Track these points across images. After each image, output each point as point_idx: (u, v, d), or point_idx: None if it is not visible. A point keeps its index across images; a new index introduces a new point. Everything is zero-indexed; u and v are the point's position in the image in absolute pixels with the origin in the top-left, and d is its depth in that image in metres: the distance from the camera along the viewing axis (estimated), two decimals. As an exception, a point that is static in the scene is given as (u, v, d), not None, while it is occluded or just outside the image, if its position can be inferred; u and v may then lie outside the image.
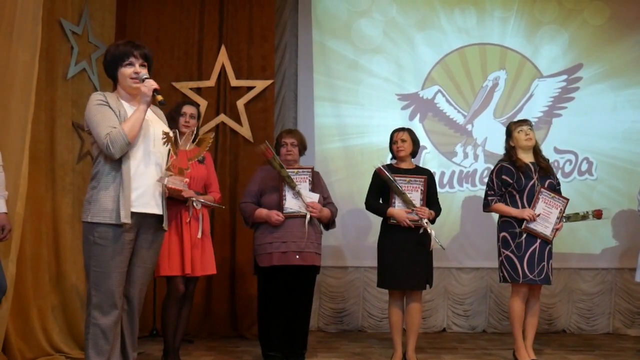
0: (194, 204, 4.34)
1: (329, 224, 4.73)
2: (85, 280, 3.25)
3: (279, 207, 4.49)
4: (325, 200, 4.71)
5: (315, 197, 4.53)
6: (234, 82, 5.99)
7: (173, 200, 4.18)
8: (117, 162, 3.21)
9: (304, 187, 4.52)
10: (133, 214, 3.21)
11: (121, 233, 3.20)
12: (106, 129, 3.15)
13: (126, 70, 3.30)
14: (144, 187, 3.29)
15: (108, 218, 3.16)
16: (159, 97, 3.27)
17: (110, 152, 3.15)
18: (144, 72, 3.32)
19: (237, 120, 5.97)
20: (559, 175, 6.22)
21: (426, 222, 4.58)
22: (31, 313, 4.34)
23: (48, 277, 4.61)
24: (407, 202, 4.59)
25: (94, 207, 3.18)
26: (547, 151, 6.22)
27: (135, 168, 3.25)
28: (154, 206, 3.34)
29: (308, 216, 4.47)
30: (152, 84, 3.26)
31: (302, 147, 4.77)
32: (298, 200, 4.49)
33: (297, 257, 4.42)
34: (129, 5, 5.97)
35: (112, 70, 3.34)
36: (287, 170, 4.49)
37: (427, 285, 4.72)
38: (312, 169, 4.64)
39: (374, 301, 6.28)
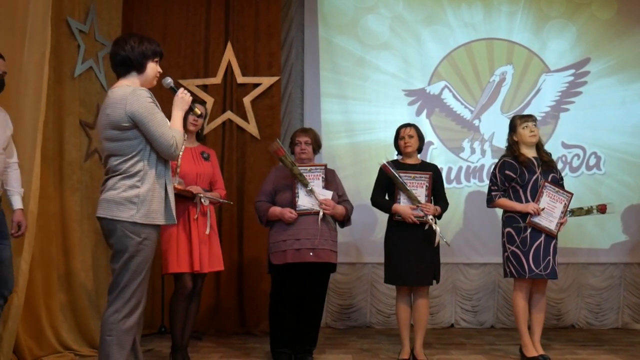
0: (202, 200, 4.37)
1: (344, 221, 4.71)
2: (115, 278, 3.17)
3: (292, 205, 4.49)
4: (341, 198, 4.70)
5: (328, 194, 4.53)
6: (241, 79, 6.00)
7: (181, 197, 4.21)
8: (162, 163, 3.24)
9: (317, 184, 4.52)
10: None
11: (159, 233, 3.28)
12: (170, 130, 3.20)
13: (156, 66, 3.33)
14: (170, 187, 3.36)
15: (157, 219, 3.20)
16: (198, 111, 3.63)
17: (176, 154, 3.23)
18: (167, 78, 3.43)
19: (244, 117, 5.98)
20: (566, 170, 6.26)
21: (431, 219, 4.57)
22: (40, 311, 4.38)
23: (57, 276, 4.65)
24: (412, 199, 4.58)
25: (143, 207, 3.15)
26: (554, 146, 6.24)
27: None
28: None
29: (321, 213, 4.47)
30: (188, 94, 3.42)
31: (317, 146, 4.77)
32: (311, 197, 4.49)
33: (311, 254, 4.41)
34: (136, 3, 5.99)
35: (145, 59, 3.27)
36: (300, 168, 4.49)
37: (434, 281, 4.71)
38: (326, 166, 4.63)
39: (382, 297, 6.29)
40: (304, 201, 4.49)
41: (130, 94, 3.16)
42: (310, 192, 4.48)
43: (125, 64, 3.26)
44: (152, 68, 3.31)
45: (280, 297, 4.53)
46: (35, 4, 4.08)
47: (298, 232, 4.43)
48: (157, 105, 3.22)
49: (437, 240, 4.59)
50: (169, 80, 3.43)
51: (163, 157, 3.22)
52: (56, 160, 4.73)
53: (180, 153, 4.06)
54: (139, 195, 3.14)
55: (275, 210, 4.52)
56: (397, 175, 4.57)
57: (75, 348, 4.64)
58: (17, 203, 3.91)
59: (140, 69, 3.28)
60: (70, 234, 4.80)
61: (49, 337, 4.46)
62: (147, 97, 3.17)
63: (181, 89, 3.42)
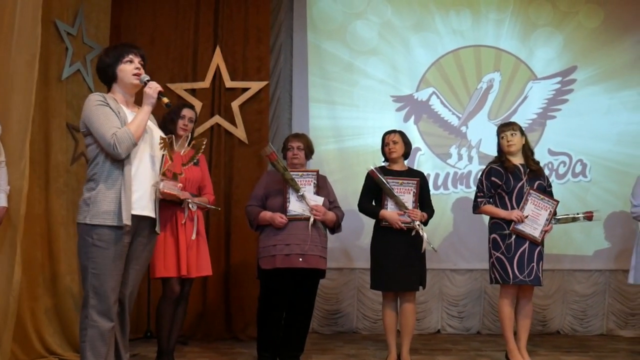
0: (190, 205, 4.35)
1: (335, 227, 4.71)
2: (82, 282, 3.22)
3: (283, 209, 4.48)
4: (332, 204, 4.69)
5: (319, 200, 4.52)
6: (229, 83, 5.99)
7: (168, 202, 4.19)
8: (118, 164, 3.21)
9: (308, 190, 4.51)
10: (132, 216, 3.21)
11: (120, 235, 3.19)
12: (111, 129, 3.16)
13: (127, 67, 3.32)
14: (142, 189, 3.31)
15: (109, 220, 3.16)
16: (165, 100, 3.35)
17: (116, 152, 3.16)
18: (145, 74, 3.37)
19: (232, 121, 5.97)
20: (552, 177, 6.29)
21: (418, 224, 4.58)
22: (24, 315, 4.33)
23: (42, 279, 4.61)
24: (400, 204, 4.59)
25: (93, 208, 3.16)
26: (541, 153, 6.27)
27: (135, 170, 3.27)
28: (150, 209, 3.36)
29: (311, 219, 4.46)
30: (156, 86, 3.32)
31: (309, 151, 4.77)
32: (302, 203, 4.48)
33: (301, 259, 4.39)
34: (124, 6, 5.97)
35: (111, 68, 3.32)
36: (291, 173, 4.49)
37: (421, 287, 4.73)
38: (317, 172, 4.62)
39: (369, 303, 6.29)
40: (294, 206, 4.48)
41: (85, 101, 3.26)
42: (302, 198, 4.47)
43: (103, 79, 3.41)
44: (123, 70, 3.33)
45: (269, 302, 4.52)
46: (23, 5, 4.05)
47: (288, 238, 4.42)
48: (109, 107, 3.22)
49: (424, 246, 4.61)
50: (143, 76, 3.37)
51: (112, 157, 3.20)
52: (42, 163, 4.70)
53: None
54: (90, 197, 3.19)
55: (266, 214, 4.51)
56: (384, 181, 4.58)
57: (60, 352, 4.59)
58: (1, 201, 3.95)
59: (113, 78, 3.35)
60: (56, 237, 4.77)
61: (34, 341, 4.42)
62: (96, 100, 3.23)
63: (149, 82, 3.34)
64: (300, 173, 4.54)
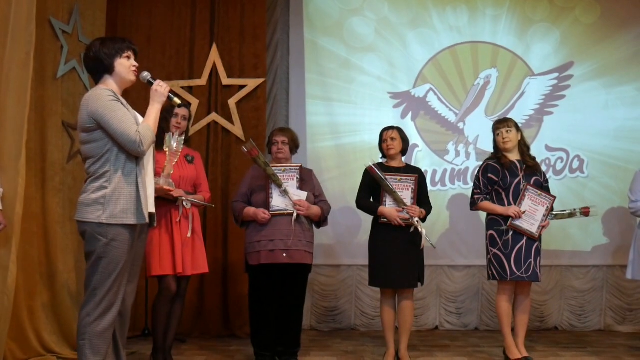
0: (184, 203, 4.34)
1: (321, 221, 4.70)
2: (85, 280, 3.18)
3: (266, 205, 4.48)
4: (318, 198, 4.69)
5: (303, 195, 4.52)
6: (226, 80, 5.98)
7: (163, 199, 4.19)
8: (133, 161, 3.20)
9: (291, 185, 4.50)
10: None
11: (132, 233, 3.21)
12: (133, 126, 3.15)
13: (126, 62, 3.30)
14: (150, 187, 3.35)
15: (127, 219, 3.15)
16: (177, 101, 3.45)
17: (141, 150, 3.16)
18: (145, 71, 3.39)
19: (229, 119, 5.96)
20: (550, 173, 6.29)
21: (417, 221, 4.58)
22: (22, 313, 4.33)
23: (39, 277, 4.60)
24: (398, 201, 4.59)
25: (109, 207, 3.12)
26: (538, 149, 6.28)
27: (145, 169, 3.29)
28: (153, 206, 3.41)
29: (295, 214, 4.46)
30: (166, 85, 3.35)
31: (294, 146, 4.76)
32: (285, 198, 4.47)
33: (285, 255, 4.40)
34: (120, 4, 5.95)
35: (109, 60, 3.27)
36: (274, 168, 4.48)
37: (419, 283, 4.72)
38: (300, 166, 4.61)
39: (367, 299, 6.29)
40: (277, 202, 4.48)
41: (91, 94, 3.21)
42: (285, 193, 4.47)
43: (94, 69, 3.33)
44: (122, 64, 3.30)
45: (258, 298, 4.54)
46: (17, 2, 4.02)
47: (272, 233, 4.43)
48: (121, 103, 3.20)
49: (423, 242, 4.60)
50: (145, 74, 3.40)
51: (131, 154, 3.18)
52: (38, 162, 4.69)
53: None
54: (105, 196, 3.14)
55: (250, 210, 4.51)
56: (383, 177, 4.58)
57: (57, 351, 4.59)
58: None
59: (109, 69, 3.30)
60: (53, 235, 4.76)
61: (31, 339, 4.42)
62: (108, 95, 3.17)
63: (157, 81, 3.36)
64: (282, 168, 4.53)
